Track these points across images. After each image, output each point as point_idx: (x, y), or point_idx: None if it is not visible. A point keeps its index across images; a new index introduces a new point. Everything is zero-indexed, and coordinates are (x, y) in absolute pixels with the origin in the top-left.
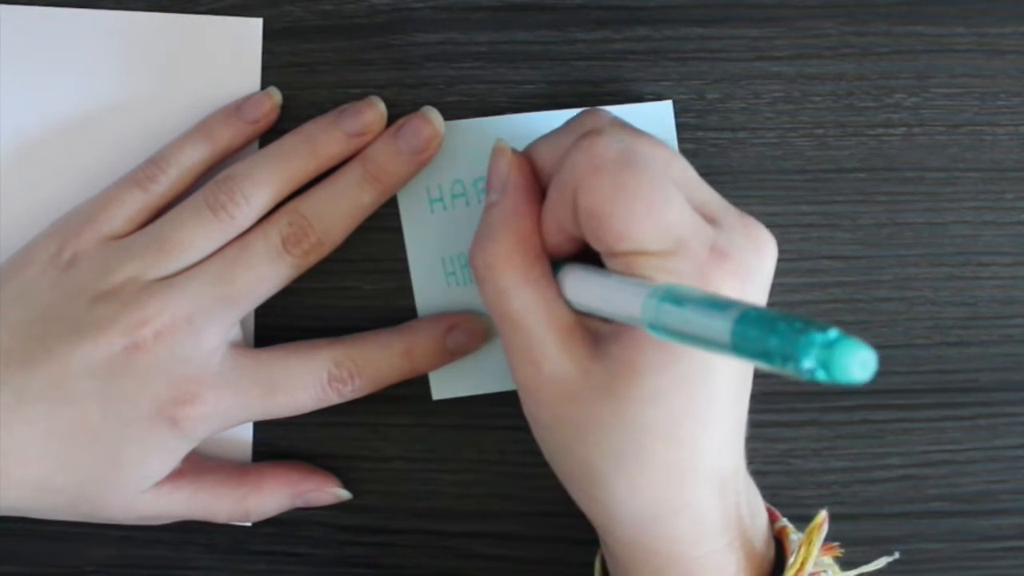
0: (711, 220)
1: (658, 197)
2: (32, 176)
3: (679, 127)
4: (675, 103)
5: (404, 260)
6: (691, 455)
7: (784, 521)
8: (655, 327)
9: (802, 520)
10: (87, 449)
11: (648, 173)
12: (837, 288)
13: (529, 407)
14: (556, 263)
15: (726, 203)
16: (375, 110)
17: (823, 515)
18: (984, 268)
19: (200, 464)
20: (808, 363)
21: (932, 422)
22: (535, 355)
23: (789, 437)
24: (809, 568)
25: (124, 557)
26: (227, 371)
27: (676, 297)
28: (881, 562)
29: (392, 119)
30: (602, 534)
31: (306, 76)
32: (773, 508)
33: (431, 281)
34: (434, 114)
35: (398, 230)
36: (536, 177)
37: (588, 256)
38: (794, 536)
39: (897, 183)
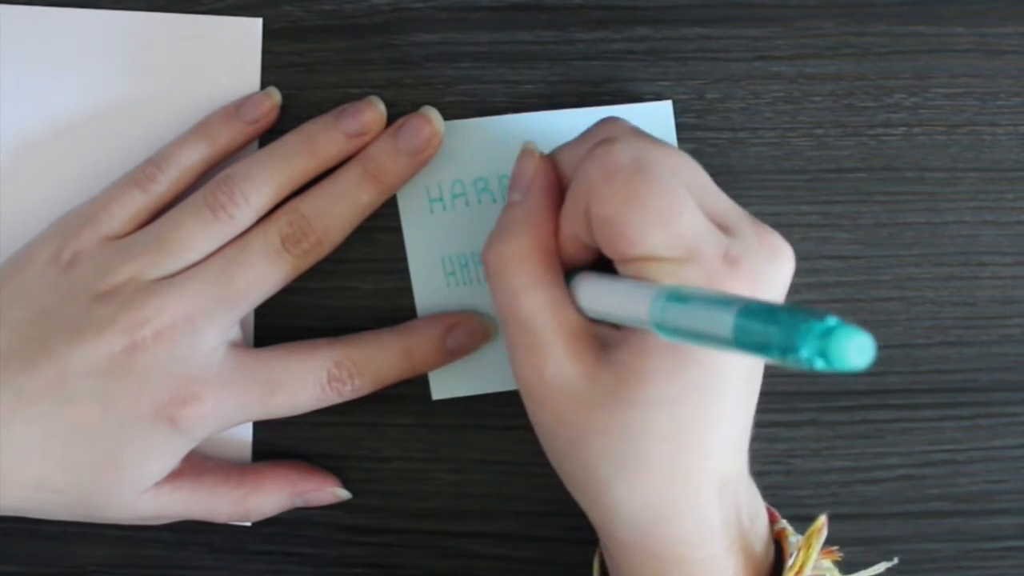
0: (725, 228)
1: (670, 204)
2: (32, 176)
3: (679, 127)
4: (675, 103)
5: (404, 260)
6: (695, 460)
7: (783, 523)
8: (662, 327)
9: (802, 520)
10: (87, 449)
11: (660, 180)
12: (837, 288)
13: (531, 408)
14: (570, 272)
15: (741, 210)
16: (374, 110)
17: (822, 520)
18: (984, 268)
19: (200, 464)
20: (806, 351)
21: (932, 422)
22: (540, 357)
23: (789, 437)
24: (807, 572)
25: (124, 557)
26: (227, 371)
27: (681, 296)
28: (881, 567)
29: (392, 119)
30: (602, 535)
31: (306, 76)
32: (773, 509)
33: (431, 281)
34: (434, 114)
35: (398, 230)
36: (559, 182)
37: (603, 267)
38: (793, 539)
39: (897, 183)
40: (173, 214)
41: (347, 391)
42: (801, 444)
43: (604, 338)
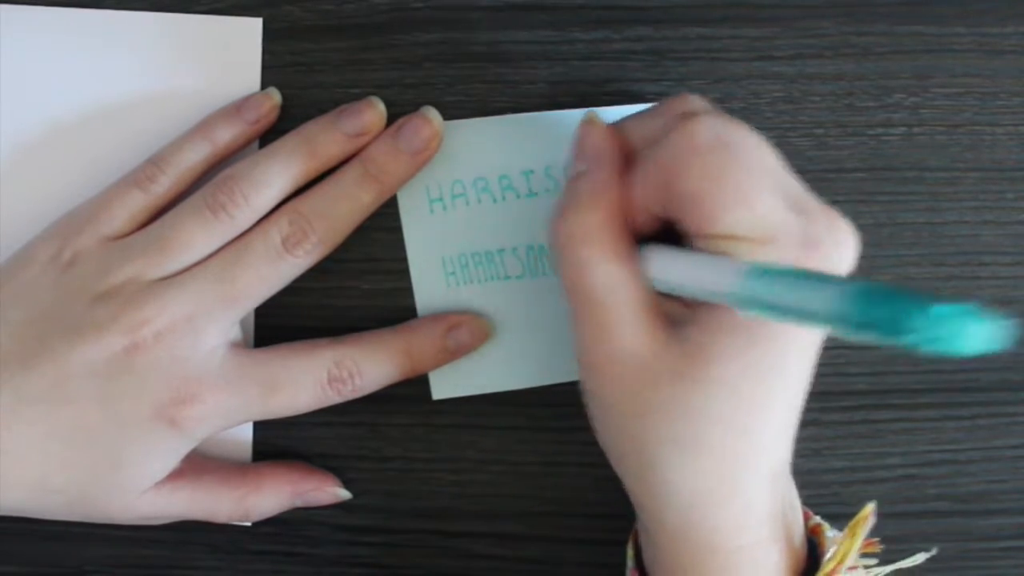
0: (799, 210)
1: (753, 184)
2: (32, 176)
3: None
4: None
5: (404, 260)
6: (749, 444)
7: (818, 519)
8: (750, 300)
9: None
10: (87, 449)
11: (743, 159)
12: None
13: (592, 384)
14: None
15: (810, 194)
16: (374, 110)
17: (869, 508)
18: (984, 268)
19: (200, 464)
20: (927, 334)
21: (932, 422)
22: (611, 332)
23: None
24: (849, 562)
25: (124, 557)
26: (227, 371)
27: (776, 270)
28: (919, 557)
29: (392, 119)
30: (644, 516)
31: (306, 76)
32: (806, 507)
33: (431, 281)
34: (434, 114)
35: (398, 230)
36: (625, 154)
37: (664, 239)
38: (830, 533)
39: (897, 183)
40: (173, 214)
41: (348, 391)
42: (801, 444)
43: (672, 314)
